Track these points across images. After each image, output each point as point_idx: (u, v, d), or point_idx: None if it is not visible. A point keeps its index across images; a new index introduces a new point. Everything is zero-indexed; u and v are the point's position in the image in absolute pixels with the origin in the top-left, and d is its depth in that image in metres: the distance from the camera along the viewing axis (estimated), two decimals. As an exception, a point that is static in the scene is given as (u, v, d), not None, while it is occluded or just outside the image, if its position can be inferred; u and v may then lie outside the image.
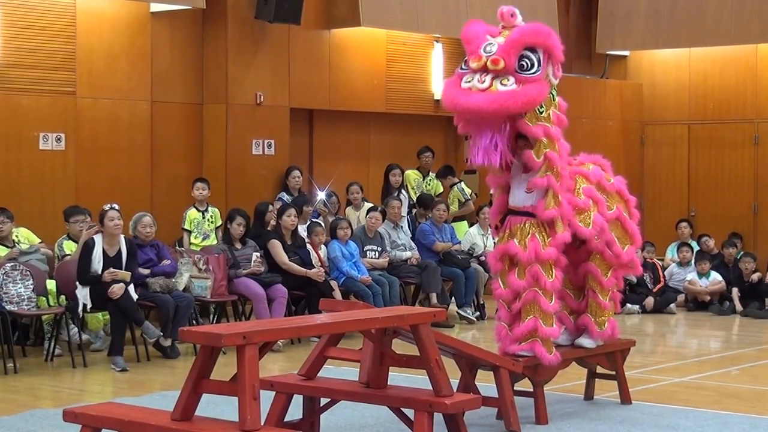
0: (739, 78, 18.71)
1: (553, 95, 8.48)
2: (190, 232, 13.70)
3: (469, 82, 8.25)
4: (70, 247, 12.08)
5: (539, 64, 8.27)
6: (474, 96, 8.16)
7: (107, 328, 12.10)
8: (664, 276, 16.23)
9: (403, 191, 15.68)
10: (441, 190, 16.40)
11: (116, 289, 11.12)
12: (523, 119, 8.33)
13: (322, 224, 14.10)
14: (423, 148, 16.54)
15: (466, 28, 8.52)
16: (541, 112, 8.37)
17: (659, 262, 16.63)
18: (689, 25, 18.31)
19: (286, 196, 14.48)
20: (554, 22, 17.92)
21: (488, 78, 8.16)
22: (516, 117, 8.34)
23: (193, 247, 13.37)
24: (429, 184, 16.39)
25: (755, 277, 15.81)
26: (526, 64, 8.22)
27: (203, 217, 13.81)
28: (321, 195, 15.09)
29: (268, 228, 13.52)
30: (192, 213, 13.78)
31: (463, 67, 8.43)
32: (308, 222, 14.07)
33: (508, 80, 8.17)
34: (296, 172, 14.90)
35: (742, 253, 16.42)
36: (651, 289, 15.98)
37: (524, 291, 8.45)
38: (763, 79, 18.49)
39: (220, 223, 13.83)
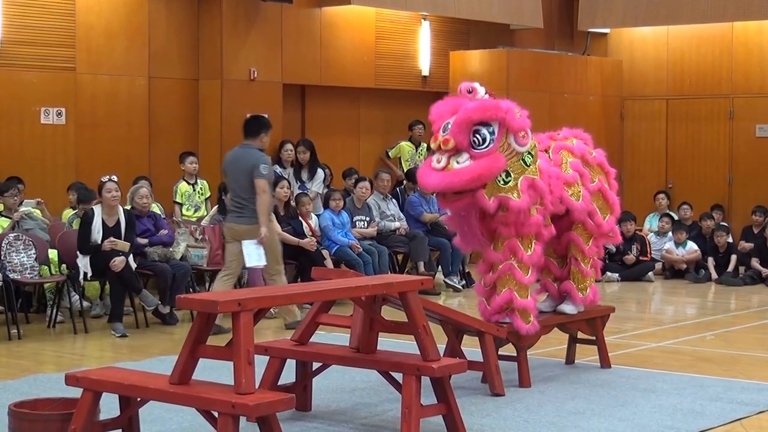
0: (715, 55, 18.78)
1: (524, 161, 8.39)
2: (181, 204, 13.83)
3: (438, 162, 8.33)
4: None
5: (491, 138, 8.21)
6: (431, 176, 8.27)
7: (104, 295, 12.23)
8: (651, 251, 16.26)
9: (323, 170, 15.17)
10: None
11: (118, 263, 11.18)
12: (481, 192, 8.25)
13: (309, 194, 14.12)
14: (414, 120, 16.63)
15: (433, 108, 8.59)
16: (507, 182, 8.30)
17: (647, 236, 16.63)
18: (667, 4, 18.33)
19: (279, 169, 14.52)
20: (538, 2, 18.12)
21: (444, 158, 8.24)
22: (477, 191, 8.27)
23: (185, 219, 13.46)
24: (421, 155, 16.48)
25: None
26: (478, 140, 8.21)
27: (194, 190, 13.94)
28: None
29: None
30: (183, 186, 13.90)
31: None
32: (295, 193, 14.10)
33: (461, 157, 8.19)
34: (289, 146, 14.96)
35: (715, 225, 16.48)
36: (637, 257, 16.01)
37: (500, 263, 8.51)
38: (738, 56, 18.57)
39: (209, 194, 13.94)
